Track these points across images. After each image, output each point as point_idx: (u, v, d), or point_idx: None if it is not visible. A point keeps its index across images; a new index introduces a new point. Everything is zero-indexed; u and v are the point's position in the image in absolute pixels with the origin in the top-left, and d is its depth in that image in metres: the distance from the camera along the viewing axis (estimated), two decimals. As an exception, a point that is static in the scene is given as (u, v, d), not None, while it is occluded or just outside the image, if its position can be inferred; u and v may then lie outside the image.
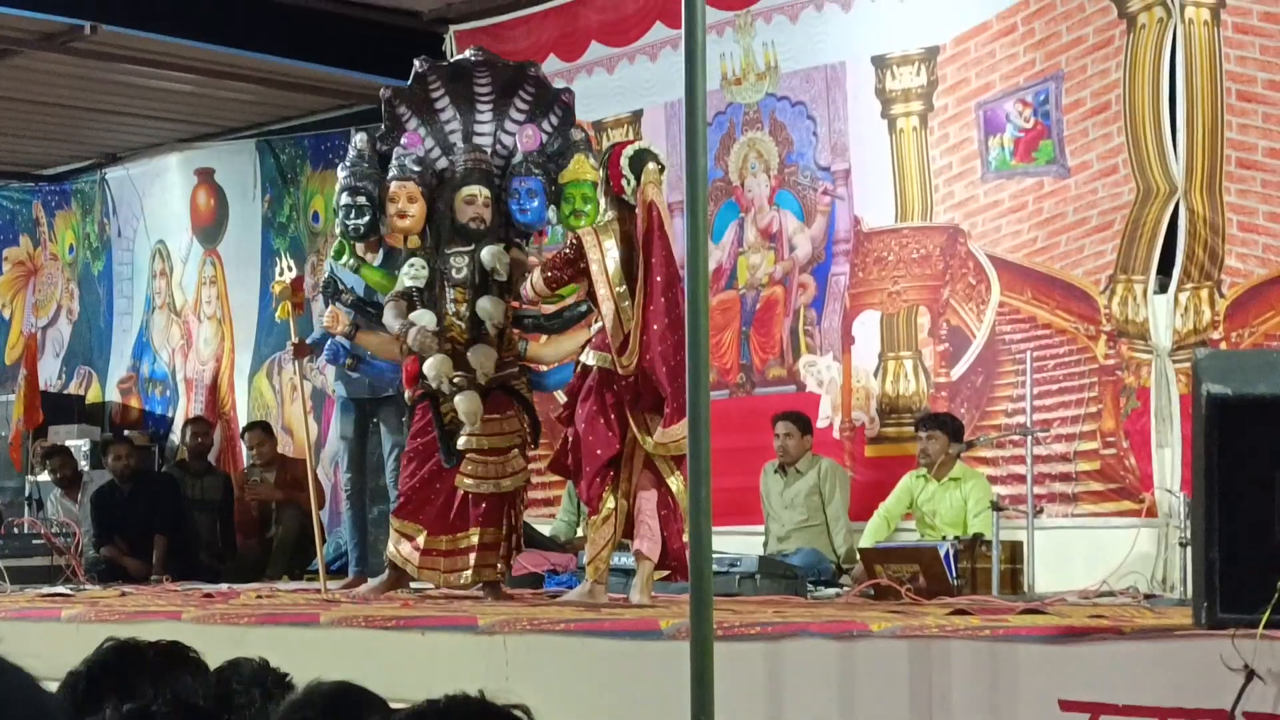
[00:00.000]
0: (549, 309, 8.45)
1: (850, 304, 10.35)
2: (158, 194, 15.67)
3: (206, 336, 15.17)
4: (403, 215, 8.31)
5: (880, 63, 10.24)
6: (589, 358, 7.62)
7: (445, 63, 8.89)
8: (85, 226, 16.45)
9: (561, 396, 8.63)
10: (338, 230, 8.65)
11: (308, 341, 9.63)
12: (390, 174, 8.37)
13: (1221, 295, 8.77)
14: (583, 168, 8.33)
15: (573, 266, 7.63)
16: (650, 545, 7.53)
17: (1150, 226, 9.00)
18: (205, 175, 15.24)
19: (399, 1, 12.12)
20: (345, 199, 8.44)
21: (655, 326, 7.29)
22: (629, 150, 7.57)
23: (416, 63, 8.62)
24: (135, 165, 15.86)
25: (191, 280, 15.34)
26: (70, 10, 11.70)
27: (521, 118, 8.53)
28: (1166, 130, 8.96)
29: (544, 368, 8.79)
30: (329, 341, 8.86)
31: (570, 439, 7.68)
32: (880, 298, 10.22)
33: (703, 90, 4.34)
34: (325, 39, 12.30)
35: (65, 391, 16.24)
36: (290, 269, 9.37)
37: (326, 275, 8.92)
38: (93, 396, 16.10)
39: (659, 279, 7.30)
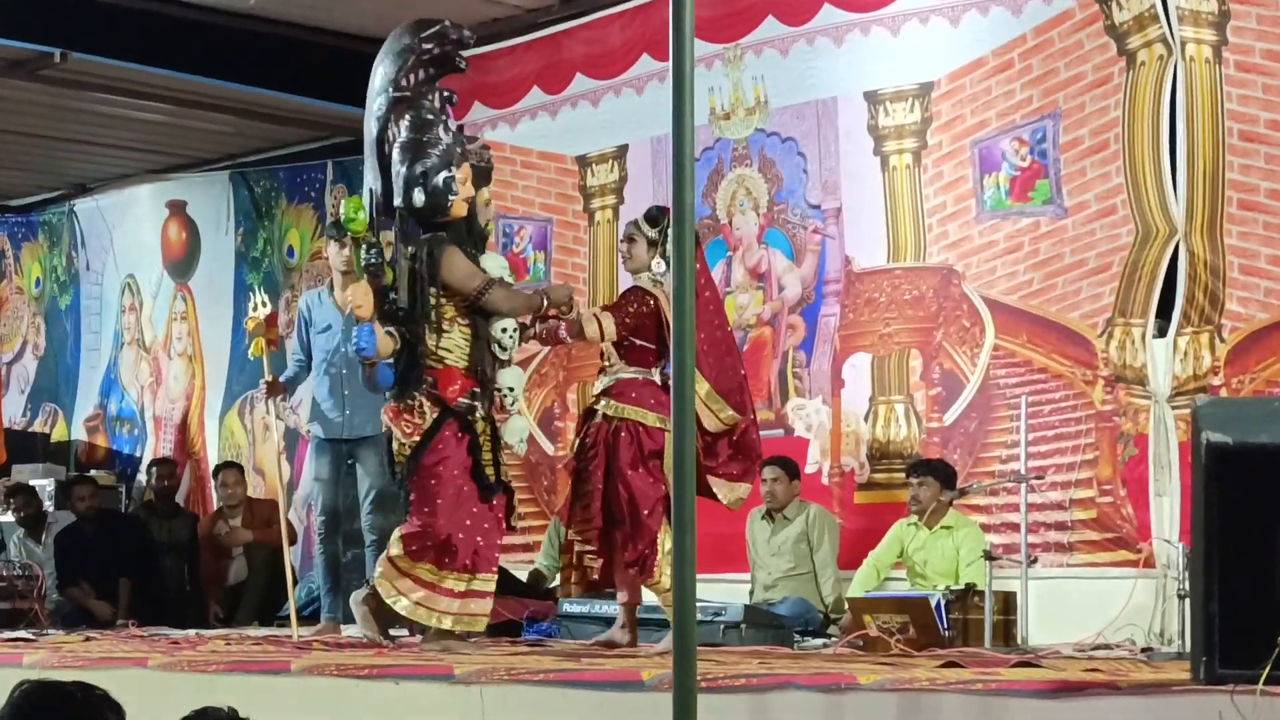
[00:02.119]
0: None
1: (840, 346, 10.27)
2: (128, 226, 15.62)
3: (176, 374, 15.08)
4: (466, 201, 7.79)
5: (873, 98, 10.18)
6: (650, 419, 7.82)
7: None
8: (52, 259, 16.39)
9: None
10: (437, 195, 7.63)
11: (281, 379, 9.48)
12: (458, 150, 7.78)
13: (1222, 340, 8.69)
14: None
15: (651, 320, 7.84)
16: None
17: (1149, 269, 8.93)
18: (177, 207, 15.18)
19: (376, 31, 11.95)
20: (449, 171, 7.63)
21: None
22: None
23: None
24: (105, 196, 15.83)
25: (162, 315, 15.27)
26: (40, 37, 11.66)
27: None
28: (1166, 170, 8.89)
29: None
30: (358, 328, 7.63)
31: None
32: (871, 340, 10.14)
33: (690, 125, 4.24)
34: (301, 69, 12.28)
35: (30, 429, 16.11)
36: (264, 304, 9.29)
37: (369, 248, 7.74)
38: (58, 434, 16.03)
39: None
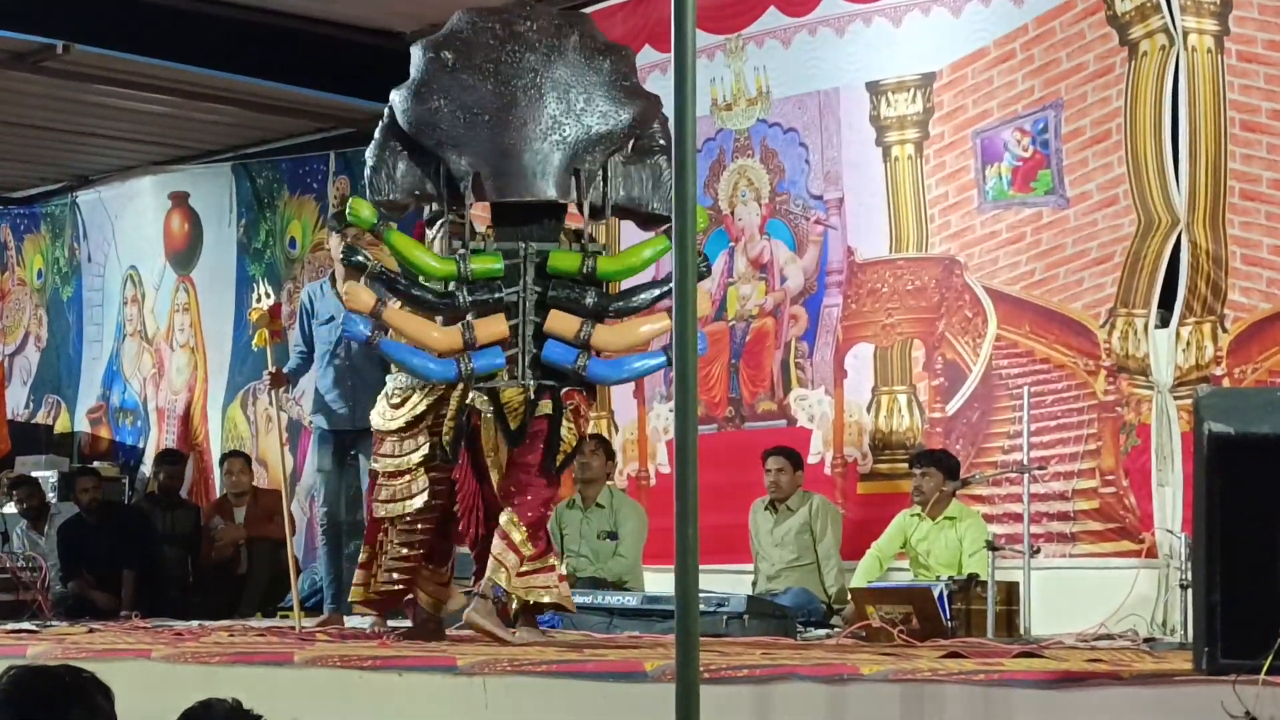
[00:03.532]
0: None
1: (843, 336, 10.25)
2: (130, 218, 15.58)
3: (179, 365, 15.04)
4: None
5: (875, 89, 10.18)
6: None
7: None
8: (55, 251, 16.34)
9: None
10: None
11: (284, 371, 9.44)
12: None
13: (1224, 330, 8.69)
14: None
15: None
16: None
17: (1151, 259, 8.92)
18: (179, 199, 15.13)
19: (380, 22, 11.98)
20: None
21: None
22: None
23: None
24: (107, 188, 15.77)
25: (164, 307, 15.21)
26: (42, 29, 11.60)
27: None
28: (1168, 160, 8.89)
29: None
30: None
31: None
32: (874, 330, 10.13)
33: (692, 115, 4.20)
34: (304, 60, 12.21)
35: (33, 420, 16.07)
36: (268, 295, 9.20)
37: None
38: (61, 426, 15.98)
39: None
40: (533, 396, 7.28)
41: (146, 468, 14.58)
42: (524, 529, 7.25)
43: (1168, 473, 8.81)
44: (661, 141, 7.47)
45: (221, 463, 13.03)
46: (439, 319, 7.36)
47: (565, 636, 8.25)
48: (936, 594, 8.04)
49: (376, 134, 7.45)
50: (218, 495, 13.62)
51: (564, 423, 7.27)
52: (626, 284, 7.56)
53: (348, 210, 7.32)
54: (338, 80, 12.37)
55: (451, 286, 7.21)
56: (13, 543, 12.79)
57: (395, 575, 7.95)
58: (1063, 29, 9.35)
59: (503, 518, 7.29)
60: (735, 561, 9.88)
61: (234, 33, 11.80)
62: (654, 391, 11.02)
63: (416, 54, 7.50)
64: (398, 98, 7.42)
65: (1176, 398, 8.77)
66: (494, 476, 7.44)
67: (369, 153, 7.41)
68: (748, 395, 10.64)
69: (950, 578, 8.56)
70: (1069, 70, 9.33)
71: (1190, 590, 6.64)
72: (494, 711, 5.89)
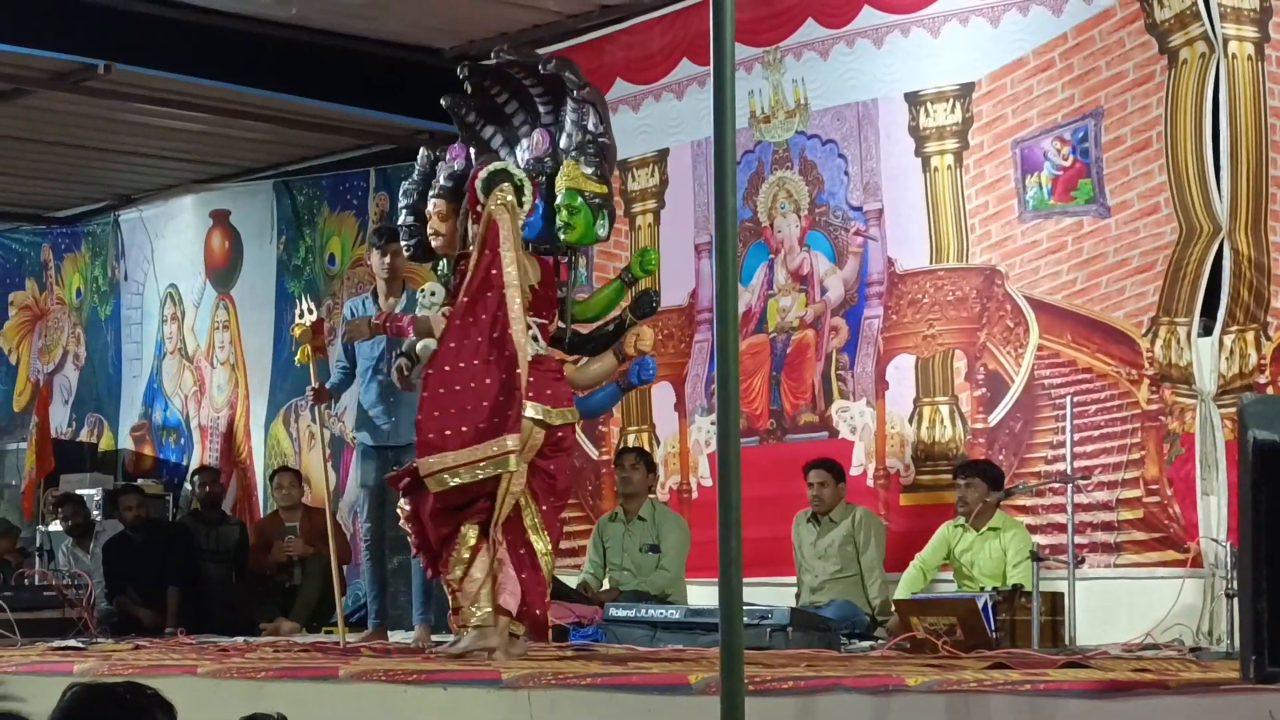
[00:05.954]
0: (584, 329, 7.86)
1: (884, 348, 10.22)
2: (170, 236, 15.63)
3: (220, 383, 15.08)
4: (436, 234, 7.67)
5: (914, 99, 10.13)
6: None
7: (492, 64, 7.83)
8: (93, 269, 16.41)
9: None
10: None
11: (327, 386, 9.46)
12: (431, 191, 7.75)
13: (1268, 338, 8.63)
14: (571, 174, 7.55)
15: None
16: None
17: (1193, 267, 8.85)
18: (220, 217, 15.17)
19: (419, 39, 12.00)
20: (401, 217, 7.90)
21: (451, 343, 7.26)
22: (484, 171, 7.40)
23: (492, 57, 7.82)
24: (149, 207, 15.84)
25: (204, 325, 15.27)
26: (83, 49, 11.64)
27: (549, 120, 7.79)
28: (1210, 168, 8.82)
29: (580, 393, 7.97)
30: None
31: None
32: (915, 341, 10.09)
33: (731, 128, 4.26)
34: (344, 78, 12.25)
35: (77, 439, 16.13)
36: (310, 311, 9.24)
37: None
38: (105, 444, 16.03)
39: (464, 299, 7.25)
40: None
41: (189, 485, 14.62)
42: None
43: (1212, 481, 8.74)
44: None
45: (271, 478, 13.03)
46: None
47: (609, 650, 8.28)
48: (981, 605, 8.06)
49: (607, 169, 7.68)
50: (263, 512, 13.64)
51: None
52: None
53: (649, 259, 7.82)
54: (377, 97, 12.42)
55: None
56: (58, 560, 12.85)
57: None
58: (1102, 37, 9.29)
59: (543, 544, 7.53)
60: (778, 574, 9.87)
61: (273, 51, 11.82)
62: (695, 404, 11.00)
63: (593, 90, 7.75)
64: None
65: (1220, 406, 8.71)
66: None
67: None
68: (789, 407, 10.60)
69: (995, 588, 8.54)
70: (1109, 79, 9.27)
71: (1236, 599, 6.61)
72: (539, 725, 5.89)
